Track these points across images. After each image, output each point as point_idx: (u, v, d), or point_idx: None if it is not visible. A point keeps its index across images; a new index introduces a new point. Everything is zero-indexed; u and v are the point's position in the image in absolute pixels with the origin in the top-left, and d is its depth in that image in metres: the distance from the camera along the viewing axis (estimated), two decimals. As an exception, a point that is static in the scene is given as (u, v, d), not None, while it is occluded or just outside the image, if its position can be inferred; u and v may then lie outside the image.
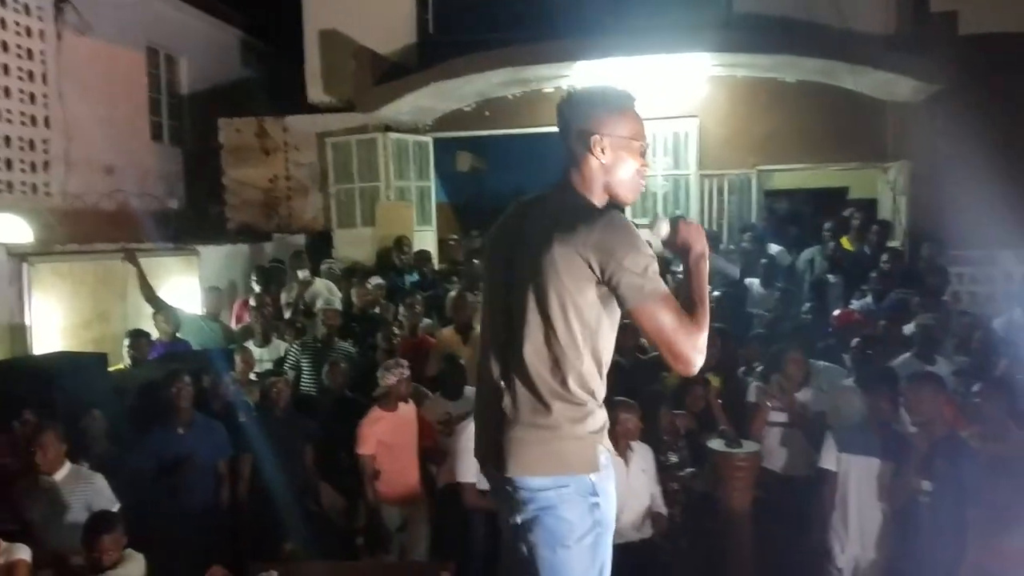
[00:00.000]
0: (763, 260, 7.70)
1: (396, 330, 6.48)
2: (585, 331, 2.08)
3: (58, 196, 8.70)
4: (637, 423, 4.59)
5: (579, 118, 2.20)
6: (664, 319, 2.02)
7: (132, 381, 5.65)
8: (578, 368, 2.09)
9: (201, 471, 4.86)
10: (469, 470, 4.61)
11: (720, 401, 5.34)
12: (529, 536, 2.13)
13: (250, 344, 6.68)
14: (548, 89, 9.69)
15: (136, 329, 6.53)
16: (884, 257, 7.34)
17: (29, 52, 8.35)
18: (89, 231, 8.30)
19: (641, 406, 4.64)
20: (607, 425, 2.22)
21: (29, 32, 8.35)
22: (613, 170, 2.19)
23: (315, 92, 10.20)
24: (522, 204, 2.33)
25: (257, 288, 7.58)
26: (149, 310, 7.04)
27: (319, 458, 5.31)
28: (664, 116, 9.38)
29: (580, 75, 9.32)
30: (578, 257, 2.02)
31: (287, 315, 7.53)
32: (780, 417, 5.13)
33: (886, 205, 9.46)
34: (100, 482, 4.29)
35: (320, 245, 9.65)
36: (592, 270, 2.02)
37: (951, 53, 8.02)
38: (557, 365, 2.08)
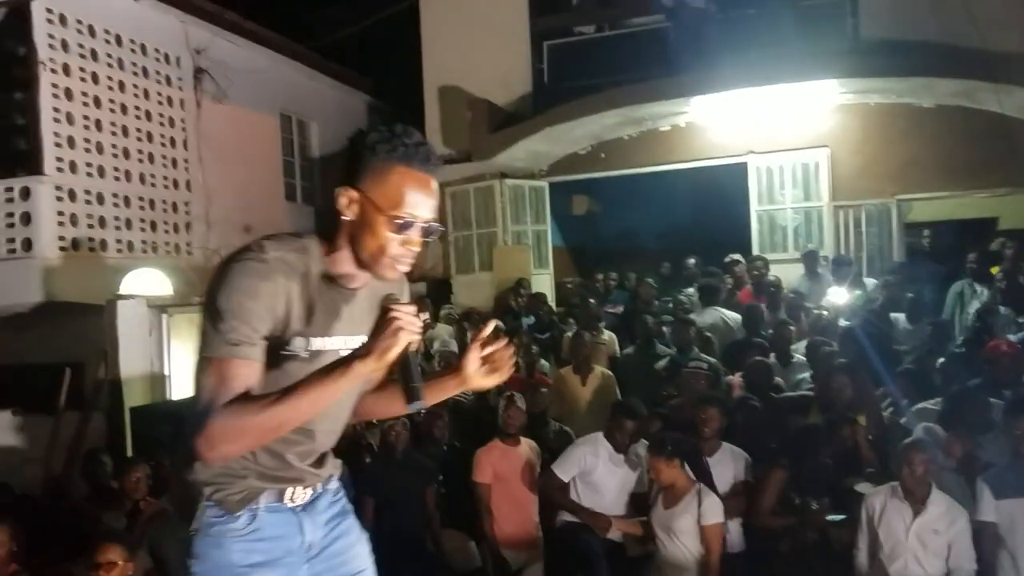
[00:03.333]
0: (909, 295, 7.18)
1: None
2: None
3: (199, 253, 9.18)
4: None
5: (345, 162, 1.81)
6: (208, 380, 1.66)
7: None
8: None
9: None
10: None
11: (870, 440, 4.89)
12: None
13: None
14: (664, 128, 9.55)
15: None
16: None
17: (170, 120, 8.95)
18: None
19: (788, 448, 4.33)
20: (242, 481, 1.84)
21: (170, 101, 8.96)
22: (359, 234, 1.78)
23: (435, 144, 10.34)
24: None
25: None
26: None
27: (440, 501, 5.23)
28: (792, 148, 9.04)
29: (697, 111, 9.15)
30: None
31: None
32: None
33: (1044, 233, 8.68)
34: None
35: (440, 292, 9.77)
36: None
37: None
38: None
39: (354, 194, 1.77)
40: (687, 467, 4.43)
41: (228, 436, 1.63)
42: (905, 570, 3.97)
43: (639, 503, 4.81)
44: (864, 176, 9.09)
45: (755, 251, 9.07)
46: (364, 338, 1.72)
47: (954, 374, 5.23)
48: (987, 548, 4.00)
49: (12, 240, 7.52)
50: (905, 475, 4.01)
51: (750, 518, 4.63)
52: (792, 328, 6.66)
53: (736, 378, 5.95)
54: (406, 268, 1.84)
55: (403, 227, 1.76)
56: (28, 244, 7.48)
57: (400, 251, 1.78)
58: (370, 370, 1.67)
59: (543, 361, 6.83)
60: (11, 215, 7.52)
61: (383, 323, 1.66)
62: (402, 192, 1.76)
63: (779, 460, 4.63)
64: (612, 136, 9.70)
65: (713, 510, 4.34)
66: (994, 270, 7.59)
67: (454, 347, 7.12)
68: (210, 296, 1.70)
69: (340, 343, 1.83)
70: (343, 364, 1.66)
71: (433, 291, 9.78)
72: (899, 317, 7.06)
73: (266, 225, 10.39)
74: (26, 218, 7.49)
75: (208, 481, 1.83)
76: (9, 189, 7.53)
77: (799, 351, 6.37)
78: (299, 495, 1.91)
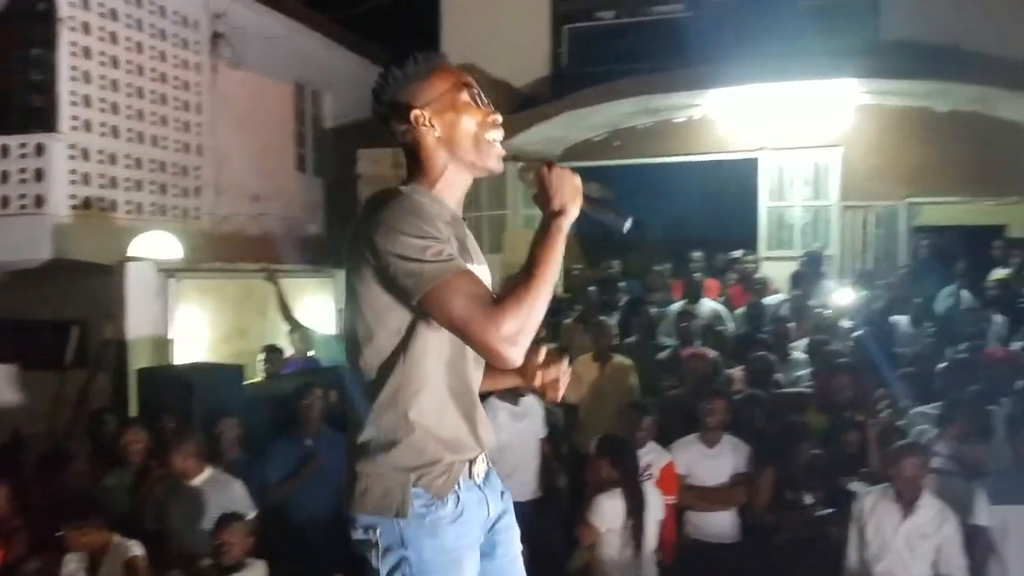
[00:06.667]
0: (916, 300, 7.23)
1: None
2: (392, 338, 1.76)
3: (207, 219, 9.22)
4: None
5: (391, 104, 1.86)
6: (452, 306, 1.63)
7: (266, 393, 5.85)
8: (384, 384, 1.77)
9: (325, 483, 4.91)
10: None
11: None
12: None
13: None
14: (679, 119, 9.54)
15: (271, 344, 6.77)
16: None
17: (186, 84, 8.96)
18: (234, 252, 8.74)
19: (777, 440, 4.37)
20: (444, 462, 1.81)
21: (187, 65, 8.97)
22: (451, 138, 1.83)
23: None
24: None
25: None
26: (285, 328, 7.28)
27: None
28: (804, 145, 9.05)
29: (712, 104, 9.14)
30: (361, 253, 1.73)
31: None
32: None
33: (1051, 243, 8.70)
34: (238, 489, 4.39)
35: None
36: (374, 268, 1.71)
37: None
38: (366, 381, 1.79)
39: (419, 112, 1.83)
40: (617, 465, 4.28)
41: (522, 326, 1.63)
42: (890, 572, 4.00)
43: None
44: (875, 178, 9.10)
45: (762, 247, 9.11)
46: (486, 267, 1.85)
47: (953, 380, 5.26)
48: (979, 553, 4.04)
49: (24, 196, 7.55)
50: (896, 477, 4.04)
51: (745, 511, 4.71)
52: (791, 325, 6.71)
53: (737, 371, 6.01)
54: (501, 147, 1.88)
55: (478, 96, 1.85)
56: (40, 201, 7.52)
57: (491, 128, 1.85)
58: (572, 220, 1.76)
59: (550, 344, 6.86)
60: (24, 171, 7.55)
61: (552, 179, 1.75)
62: (452, 76, 1.86)
63: (770, 455, 4.70)
64: (627, 125, 9.70)
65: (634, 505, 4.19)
66: (998, 276, 7.65)
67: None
68: (393, 237, 1.67)
69: (482, 271, 1.84)
70: (550, 229, 1.73)
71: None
72: (901, 320, 7.11)
73: (275, 194, 10.44)
74: (39, 175, 7.52)
75: (413, 466, 1.79)
76: (23, 145, 7.55)
77: (798, 348, 6.44)
78: (479, 469, 1.90)
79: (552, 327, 7.33)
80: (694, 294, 7.58)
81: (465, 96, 1.84)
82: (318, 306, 8.49)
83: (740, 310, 7.49)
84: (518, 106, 9.59)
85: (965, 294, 7.52)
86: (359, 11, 12.02)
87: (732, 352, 6.44)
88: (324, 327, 7.95)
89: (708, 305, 7.53)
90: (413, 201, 1.75)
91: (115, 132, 8.11)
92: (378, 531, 1.80)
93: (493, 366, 1.81)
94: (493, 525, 1.94)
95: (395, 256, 1.66)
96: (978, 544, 4.05)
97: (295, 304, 7.78)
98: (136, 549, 3.82)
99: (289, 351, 6.98)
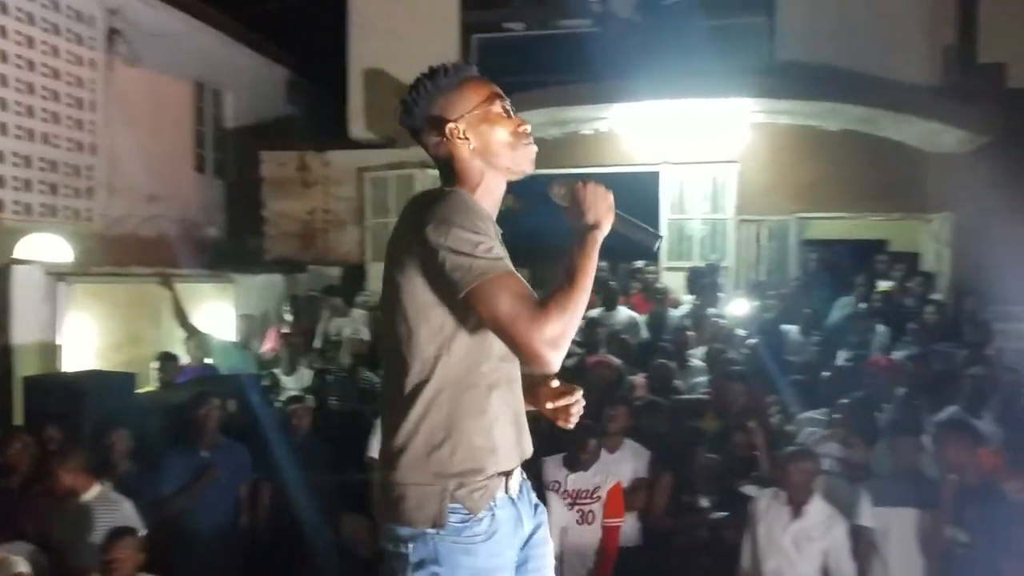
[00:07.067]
0: (806, 309, 7.56)
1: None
2: (434, 336, 1.74)
3: (100, 221, 8.84)
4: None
5: (424, 117, 1.90)
6: (499, 303, 1.64)
7: (160, 402, 5.65)
8: (423, 386, 1.74)
9: (222, 494, 4.79)
10: None
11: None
12: None
13: (277, 371, 6.67)
14: (586, 131, 9.71)
15: (165, 352, 6.56)
16: (929, 309, 7.18)
17: (79, 80, 8.58)
18: (127, 255, 8.42)
19: (675, 445, 4.50)
20: (485, 473, 1.77)
21: (80, 61, 8.59)
22: (486, 148, 1.88)
23: (357, 128, 10.33)
24: None
25: (289, 317, 7.59)
26: (181, 334, 7.06)
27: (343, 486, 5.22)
28: (704, 161, 9.34)
29: (618, 118, 9.35)
30: (408, 248, 1.73)
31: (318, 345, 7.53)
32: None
33: (929, 257, 9.26)
34: (128, 508, 4.22)
35: (355, 278, 9.70)
36: (420, 259, 1.71)
37: (998, 105, 7.91)
38: (402, 383, 1.76)
39: (453, 124, 1.87)
40: None
41: (564, 330, 1.65)
42: (778, 571, 4.15)
43: None
44: (769, 193, 9.47)
45: (664, 259, 9.36)
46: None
47: (839, 386, 5.52)
48: (862, 553, 4.22)
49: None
50: (786, 481, 4.21)
51: (644, 515, 4.82)
52: (691, 334, 6.94)
53: (639, 378, 6.16)
54: (534, 152, 1.94)
55: (509, 109, 1.91)
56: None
57: (522, 135, 1.92)
58: (604, 234, 1.85)
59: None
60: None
61: (587, 194, 1.86)
62: (482, 89, 1.91)
63: (669, 461, 4.83)
64: (537, 135, 9.65)
65: None
66: (882, 288, 8.09)
67: (365, 334, 7.11)
68: (447, 231, 1.68)
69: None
70: (585, 243, 1.81)
71: (349, 277, 9.69)
72: (791, 329, 7.44)
73: (172, 196, 10.10)
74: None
75: (452, 473, 1.74)
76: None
77: (696, 356, 6.66)
78: (514, 484, 1.86)
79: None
80: (610, 302, 7.72)
81: (497, 108, 1.90)
82: (216, 312, 8.25)
83: (642, 318, 7.68)
84: (427, 113, 9.56)
85: (862, 306, 7.90)
86: (263, 10, 11.78)
87: (635, 360, 6.61)
88: (223, 333, 7.74)
89: (625, 313, 7.67)
90: (465, 198, 1.79)
91: (3, 129, 7.71)
92: (411, 544, 1.75)
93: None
94: (527, 540, 1.91)
95: (447, 249, 1.67)
96: (861, 544, 4.25)
97: (192, 310, 7.55)
98: (21, 566, 3.63)
99: (185, 359, 6.77)
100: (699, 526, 4.72)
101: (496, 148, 1.89)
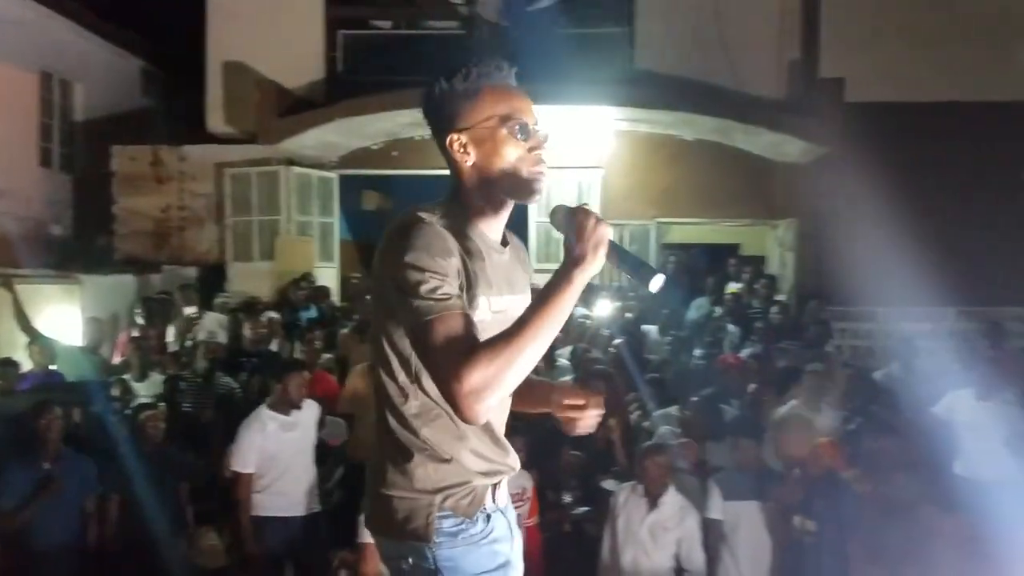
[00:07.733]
0: (664, 310, 7.88)
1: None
2: (405, 362, 1.72)
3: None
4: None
5: (433, 119, 1.80)
6: (429, 347, 1.57)
7: (-2, 412, 5.26)
8: (400, 408, 1.74)
9: (66, 509, 4.53)
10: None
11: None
12: None
13: (127, 378, 6.35)
14: (455, 134, 9.74)
15: (5, 358, 6.15)
16: (774, 309, 7.64)
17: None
18: (-40, 254, 7.81)
19: (540, 444, 4.60)
20: (470, 484, 1.77)
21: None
22: (486, 168, 1.75)
23: (215, 122, 9.98)
24: None
25: (141, 320, 7.25)
26: (23, 339, 6.62)
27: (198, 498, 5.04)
28: (570, 166, 9.57)
29: (486, 121, 9.42)
30: (378, 278, 1.72)
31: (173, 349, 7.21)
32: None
33: (774, 261, 9.86)
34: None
35: (213, 278, 9.34)
36: (386, 293, 1.68)
37: (838, 118, 8.49)
38: (385, 403, 1.77)
39: (460, 136, 1.74)
40: None
41: (490, 382, 1.53)
42: (635, 561, 4.33)
43: None
44: (630, 199, 9.84)
45: (533, 260, 9.52)
46: (527, 298, 1.77)
47: (690, 383, 5.79)
48: (712, 544, 4.46)
49: None
50: (643, 474, 4.40)
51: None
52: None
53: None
54: (544, 178, 1.77)
55: (521, 130, 1.73)
56: None
57: (532, 160, 1.75)
58: (591, 272, 1.64)
59: (326, 355, 6.77)
60: None
61: (580, 222, 1.64)
62: (499, 103, 1.74)
63: (534, 458, 4.94)
64: (406, 135, 9.76)
65: None
66: (732, 290, 8.55)
67: (222, 338, 6.86)
68: (397, 265, 1.61)
69: (515, 301, 1.78)
70: (561, 277, 1.62)
71: (206, 278, 9.32)
72: (651, 329, 7.75)
73: (14, 192, 9.44)
74: None
75: (437, 487, 1.73)
76: None
77: (563, 355, 6.82)
78: (501, 495, 1.84)
79: (329, 337, 7.23)
80: None
81: (506, 129, 1.73)
82: (62, 315, 7.76)
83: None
84: (290, 108, 9.36)
85: (716, 308, 8.30)
86: (117, -2, 11.19)
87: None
88: (68, 338, 7.29)
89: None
90: (428, 232, 1.66)
91: None
92: (409, 560, 1.74)
93: (520, 390, 1.73)
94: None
95: (396, 288, 1.62)
96: (711, 536, 4.49)
97: (35, 313, 7.08)
98: None
99: (27, 365, 6.34)
100: (563, 521, 4.85)
101: (495, 171, 1.74)
